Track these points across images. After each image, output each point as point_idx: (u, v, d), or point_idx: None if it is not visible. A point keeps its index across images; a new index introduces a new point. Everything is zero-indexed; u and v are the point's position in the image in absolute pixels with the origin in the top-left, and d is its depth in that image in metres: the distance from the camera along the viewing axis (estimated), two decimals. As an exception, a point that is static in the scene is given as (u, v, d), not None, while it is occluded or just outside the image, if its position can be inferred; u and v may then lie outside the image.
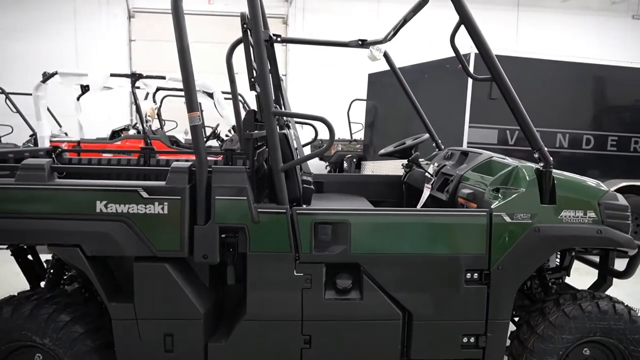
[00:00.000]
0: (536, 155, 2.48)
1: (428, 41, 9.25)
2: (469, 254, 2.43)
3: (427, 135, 3.62)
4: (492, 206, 2.43)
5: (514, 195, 2.45)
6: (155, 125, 8.75)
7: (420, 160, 3.49)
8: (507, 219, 2.42)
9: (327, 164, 10.18)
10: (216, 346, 2.40)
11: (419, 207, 3.37)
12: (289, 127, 3.22)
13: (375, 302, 2.43)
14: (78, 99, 7.89)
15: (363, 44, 3.49)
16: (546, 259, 2.58)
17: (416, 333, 2.47)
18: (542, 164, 2.47)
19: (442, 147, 3.93)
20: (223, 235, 2.39)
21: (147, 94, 8.41)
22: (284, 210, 2.36)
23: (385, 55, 3.61)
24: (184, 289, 2.34)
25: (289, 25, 12.05)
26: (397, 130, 6.68)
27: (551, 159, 2.46)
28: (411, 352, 2.49)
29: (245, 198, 2.34)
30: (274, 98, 2.68)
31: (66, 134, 9.29)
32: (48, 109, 7.38)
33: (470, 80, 5.97)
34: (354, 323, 2.44)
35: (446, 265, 2.44)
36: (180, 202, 2.30)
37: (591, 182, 2.64)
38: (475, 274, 2.46)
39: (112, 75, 6.45)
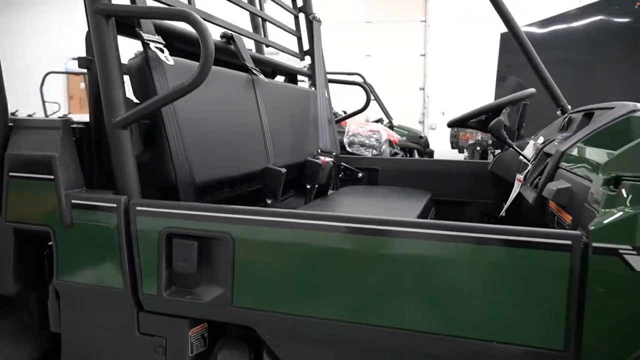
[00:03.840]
0: None
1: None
2: (527, 348, 0.94)
3: (531, 90, 2.01)
4: (590, 226, 0.90)
5: None
6: None
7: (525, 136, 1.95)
8: (636, 264, 0.86)
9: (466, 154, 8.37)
10: None
11: (502, 213, 1.88)
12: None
13: None
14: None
15: None
16: None
17: None
18: None
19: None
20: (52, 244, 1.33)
21: None
22: (114, 204, 1.18)
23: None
24: None
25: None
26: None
27: None
28: None
29: (51, 177, 1.23)
30: None
31: None
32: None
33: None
34: None
35: None
36: None
37: None
38: None
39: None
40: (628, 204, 0.90)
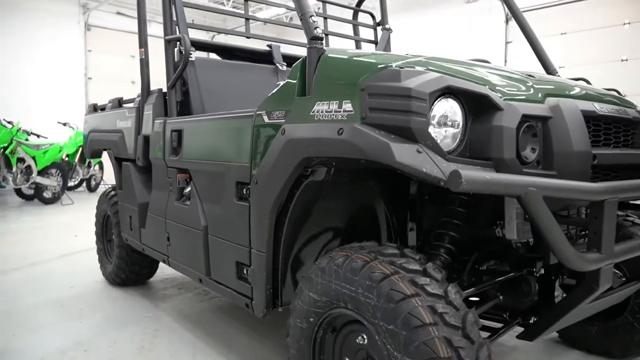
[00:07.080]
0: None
1: None
2: (238, 164, 2.03)
3: None
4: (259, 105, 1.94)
5: (276, 89, 1.85)
6: None
7: None
8: (266, 119, 1.86)
9: None
10: (142, 231, 3.02)
11: None
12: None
13: (192, 209, 2.41)
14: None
15: None
16: (291, 172, 1.70)
17: (211, 250, 2.26)
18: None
19: None
20: None
21: None
22: (162, 120, 2.73)
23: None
24: (134, 184, 3.11)
25: None
26: None
27: (317, 28, 1.70)
28: (211, 270, 2.28)
29: (149, 112, 2.88)
30: None
31: None
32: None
33: None
34: (184, 229, 2.49)
35: (225, 175, 2.13)
36: (135, 117, 3.10)
37: (380, 57, 1.63)
38: (244, 189, 2.02)
39: None
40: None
